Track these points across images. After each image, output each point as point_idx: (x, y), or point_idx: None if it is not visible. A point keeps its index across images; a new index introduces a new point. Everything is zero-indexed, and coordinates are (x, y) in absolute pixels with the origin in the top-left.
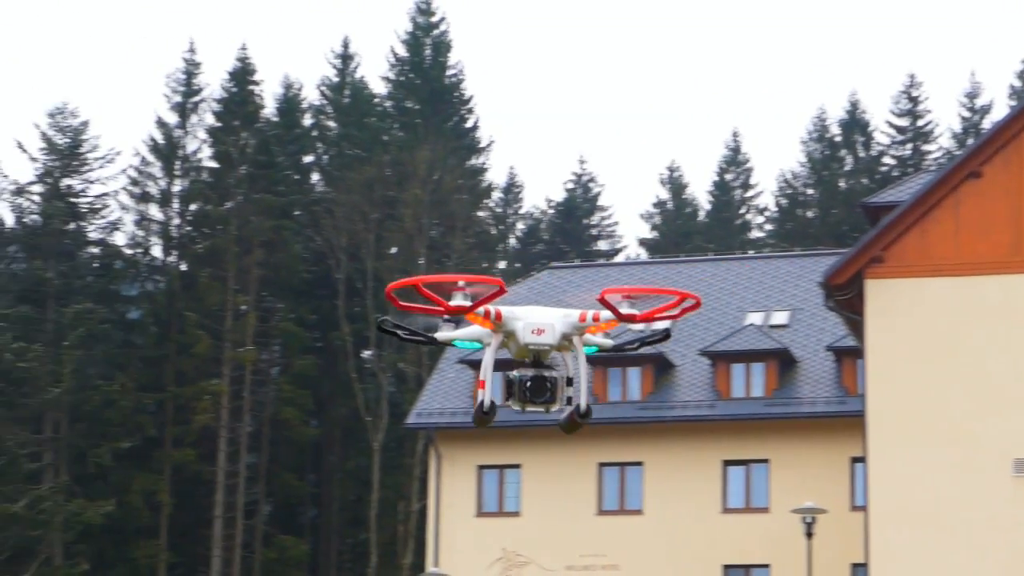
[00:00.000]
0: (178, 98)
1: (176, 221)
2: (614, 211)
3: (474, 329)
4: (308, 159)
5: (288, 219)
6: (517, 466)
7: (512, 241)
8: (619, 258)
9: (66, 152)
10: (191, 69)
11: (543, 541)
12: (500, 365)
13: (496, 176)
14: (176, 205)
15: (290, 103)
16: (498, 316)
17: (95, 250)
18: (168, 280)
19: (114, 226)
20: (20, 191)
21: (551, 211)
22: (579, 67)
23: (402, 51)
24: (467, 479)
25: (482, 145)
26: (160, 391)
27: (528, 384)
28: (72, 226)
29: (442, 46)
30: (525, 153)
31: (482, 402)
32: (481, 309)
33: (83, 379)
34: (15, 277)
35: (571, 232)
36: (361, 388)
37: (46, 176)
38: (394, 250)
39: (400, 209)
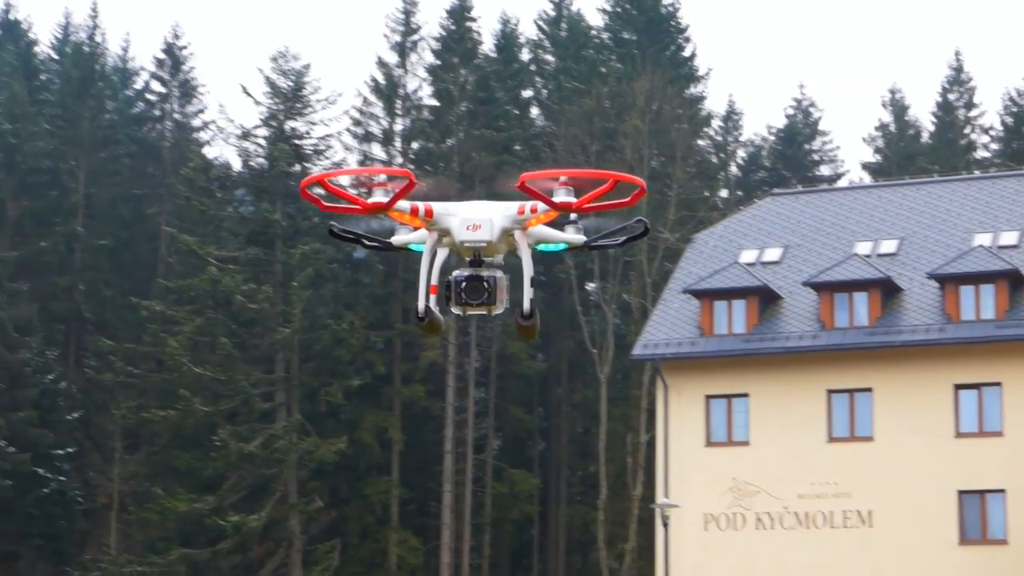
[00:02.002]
0: (397, 38)
1: (399, 160)
2: (835, 135)
3: (424, 232)
4: (527, 94)
5: (509, 154)
6: (745, 395)
7: (733, 169)
8: (842, 183)
9: (289, 95)
10: (409, 8)
11: (773, 470)
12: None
13: (715, 104)
14: (398, 144)
15: (508, 38)
16: (428, 213)
17: (320, 191)
18: None
19: (338, 167)
20: (246, 135)
21: (772, 137)
22: None
23: None
24: (695, 409)
25: (700, 74)
26: (388, 329)
27: (463, 285)
28: (297, 168)
29: None
30: (744, 80)
31: (416, 308)
32: (407, 206)
33: (312, 319)
34: (243, 220)
35: (792, 158)
36: (586, 320)
37: (271, 120)
38: None
39: (620, 140)
